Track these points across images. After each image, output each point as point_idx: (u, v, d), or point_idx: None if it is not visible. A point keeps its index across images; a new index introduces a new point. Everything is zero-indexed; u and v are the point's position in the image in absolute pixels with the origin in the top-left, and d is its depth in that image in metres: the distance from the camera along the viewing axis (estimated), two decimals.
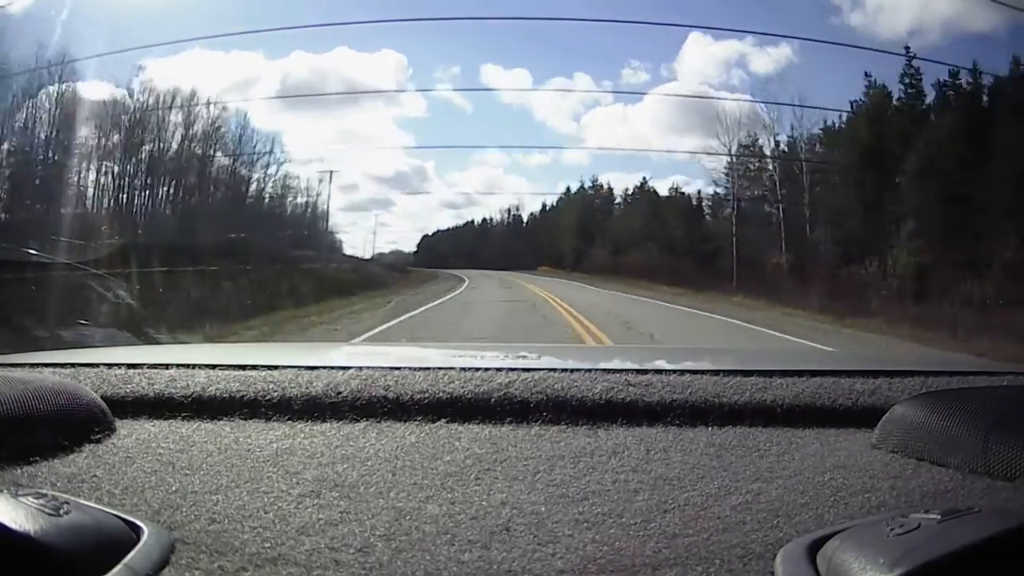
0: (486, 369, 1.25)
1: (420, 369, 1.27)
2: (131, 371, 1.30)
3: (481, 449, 1.04)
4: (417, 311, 16.22)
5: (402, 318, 14.70)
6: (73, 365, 1.35)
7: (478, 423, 1.15)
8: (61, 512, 0.70)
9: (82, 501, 0.78)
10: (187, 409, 1.19)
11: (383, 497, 0.88)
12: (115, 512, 0.77)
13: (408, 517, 0.83)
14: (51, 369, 1.32)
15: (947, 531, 0.64)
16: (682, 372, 1.26)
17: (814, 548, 0.71)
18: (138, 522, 0.76)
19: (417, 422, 1.15)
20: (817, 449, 1.05)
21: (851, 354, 6.52)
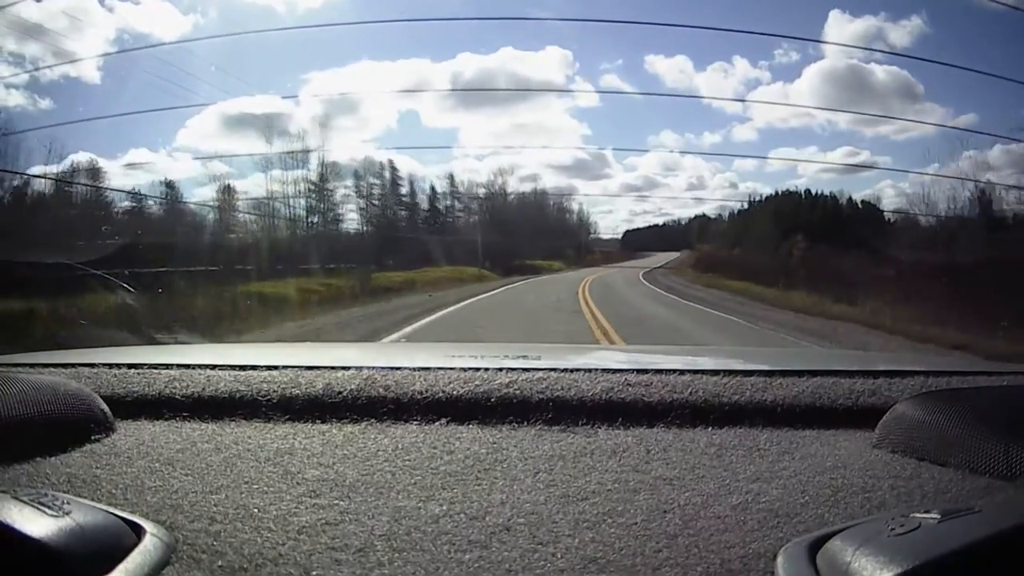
0: (486, 369, 1.25)
1: (420, 369, 1.27)
2: (131, 371, 1.30)
3: (481, 449, 1.04)
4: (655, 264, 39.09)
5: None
6: (74, 365, 1.35)
7: (478, 423, 1.15)
8: (62, 512, 0.70)
9: (83, 501, 0.77)
10: (187, 409, 1.19)
11: (383, 497, 0.88)
12: (116, 512, 0.77)
13: (408, 517, 0.83)
14: (51, 369, 1.32)
15: (947, 531, 0.64)
16: (682, 372, 1.26)
17: (814, 548, 0.71)
18: (139, 522, 0.76)
19: (417, 422, 1.15)
20: (817, 449, 1.05)
21: (851, 354, 6.51)
